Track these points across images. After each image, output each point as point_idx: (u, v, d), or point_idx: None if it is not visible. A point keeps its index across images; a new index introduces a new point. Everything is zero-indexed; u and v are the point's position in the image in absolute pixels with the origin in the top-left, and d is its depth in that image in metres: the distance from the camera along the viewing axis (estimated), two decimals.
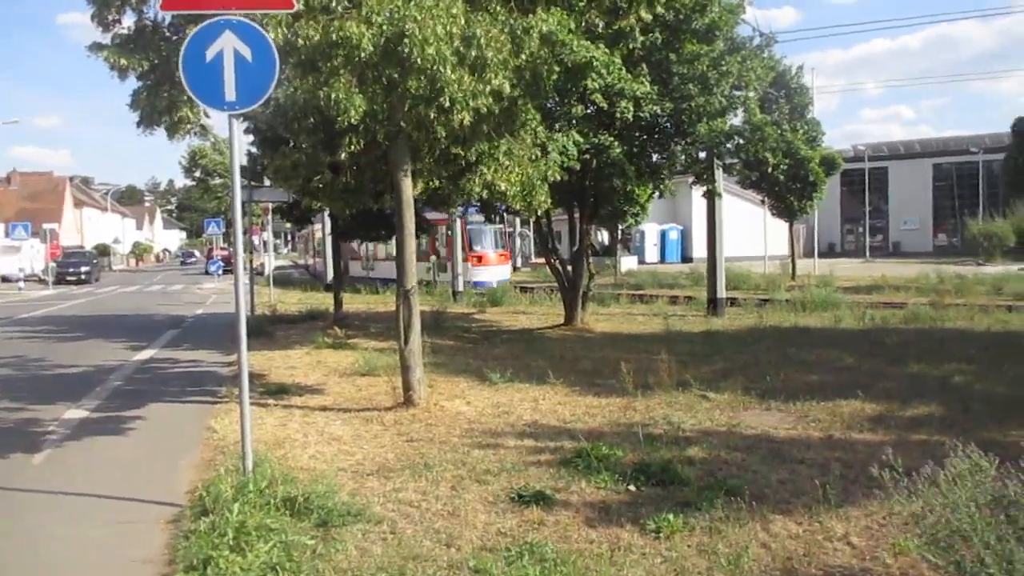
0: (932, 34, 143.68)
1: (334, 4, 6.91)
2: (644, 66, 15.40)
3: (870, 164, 54.82)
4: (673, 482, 6.34)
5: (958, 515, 4.26)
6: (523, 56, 8.00)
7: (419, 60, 6.88)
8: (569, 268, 18.09)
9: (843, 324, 16.98)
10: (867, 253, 51.90)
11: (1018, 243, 39.95)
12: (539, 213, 11.49)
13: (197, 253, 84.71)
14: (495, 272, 31.87)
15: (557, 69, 10.14)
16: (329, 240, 25.62)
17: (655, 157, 17.25)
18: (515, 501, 6.05)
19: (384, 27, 6.92)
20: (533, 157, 10.14)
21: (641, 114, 15.08)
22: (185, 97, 7.06)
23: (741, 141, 17.39)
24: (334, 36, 6.84)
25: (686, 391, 9.91)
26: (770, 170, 22.00)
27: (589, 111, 15.28)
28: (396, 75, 7.26)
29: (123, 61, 7.65)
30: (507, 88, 7.59)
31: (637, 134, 16.09)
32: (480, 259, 31.55)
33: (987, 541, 4.14)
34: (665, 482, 6.35)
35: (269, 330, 18.05)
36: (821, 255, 41.09)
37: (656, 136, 16.71)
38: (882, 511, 5.67)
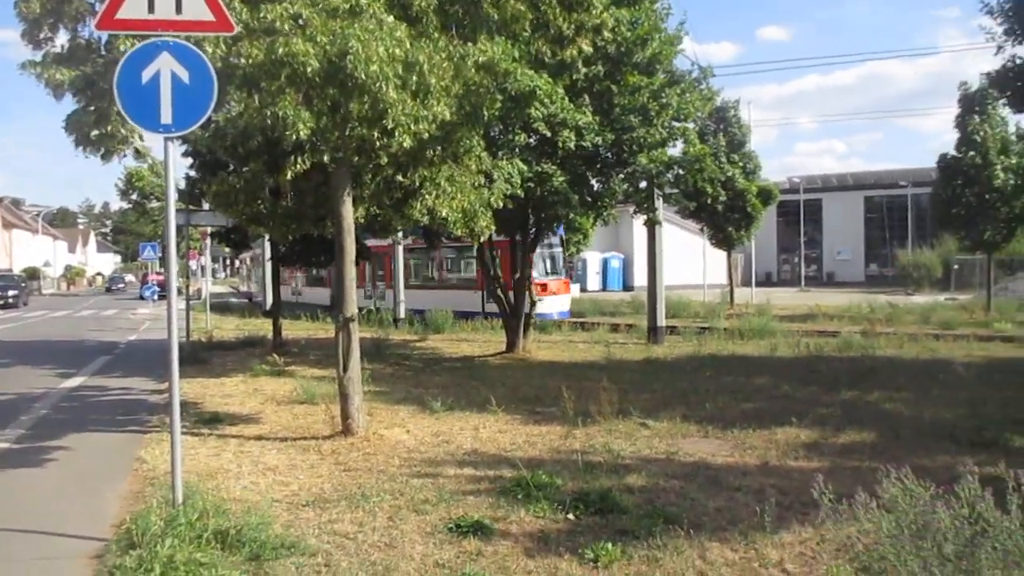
0: (864, 71, 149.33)
1: (278, 24, 6.85)
2: (586, 97, 15.62)
3: (805, 196, 56.34)
4: (612, 510, 6.35)
5: (885, 543, 4.35)
6: (459, 84, 8.05)
7: (362, 77, 6.86)
8: (511, 295, 18.11)
9: (779, 352, 17.31)
10: (802, 282, 53.16)
11: (945, 274, 41.41)
12: (481, 240, 11.50)
13: (131, 277, 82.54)
14: (558, 303, 28.18)
15: (500, 97, 10.22)
16: (269, 266, 25.26)
17: (597, 186, 17.45)
18: (453, 531, 5.98)
19: (327, 48, 6.90)
20: (476, 184, 10.16)
21: (583, 144, 15.27)
22: (119, 117, 6.89)
23: (681, 171, 17.68)
24: (280, 51, 6.77)
25: (626, 419, 9.96)
26: (709, 200, 22.51)
27: (532, 140, 15.42)
28: (339, 95, 7.22)
29: (59, 76, 7.44)
30: (447, 115, 7.61)
31: (579, 163, 16.26)
32: (544, 288, 26.78)
33: (912, 569, 4.22)
34: (604, 510, 6.34)
35: (205, 357, 17.65)
36: (758, 284, 41.97)
37: (598, 166, 16.91)
38: (815, 537, 5.75)
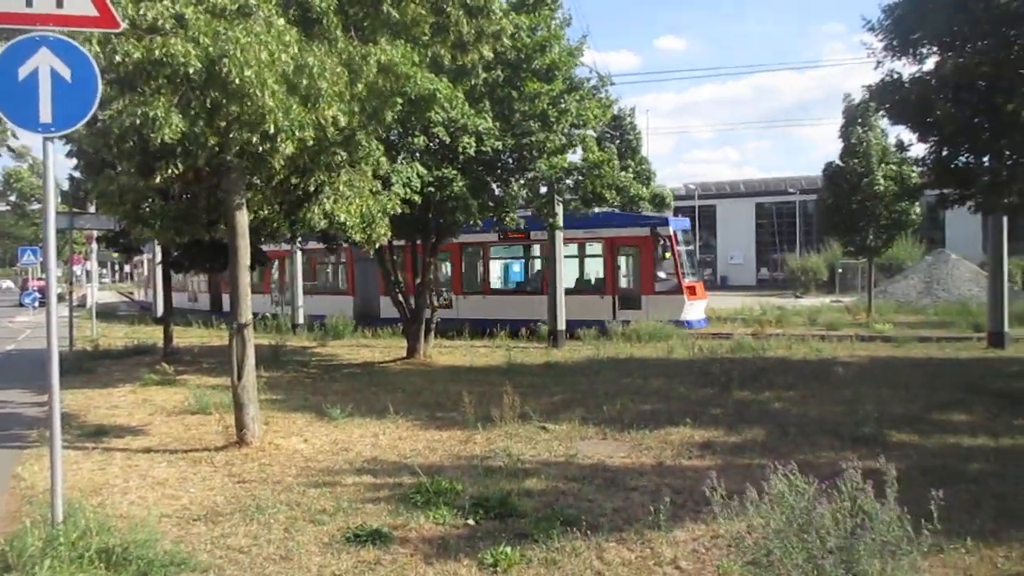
0: (757, 82, 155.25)
1: (161, 23, 6.61)
2: (487, 102, 15.69)
3: (700, 202, 58.11)
4: (511, 514, 6.39)
5: (772, 537, 4.52)
6: (360, 85, 7.95)
7: (238, 81, 6.69)
8: (412, 300, 18.00)
9: (675, 355, 17.75)
10: None
11: (830, 277, 43.45)
12: (377, 245, 11.38)
13: (10, 284, 78.10)
14: (702, 309, 24.98)
15: (400, 101, 10.15)
16: (159, 271, 24.29)
17: (498, 191, 17.55)
18: (351, 541, 5.89)
19: (208, 49, 6.70)
20: (374, 189, 10.06)
21: (483, 149, 15.34)
22: None
23: (580, 177, 17.95)
24: (157, 53, 6.53)
25: (526, 423, 10.03)
26: (607, 206, 22.89)
27: (433, 144, 15.38)
28: (219, 98, 7.02)
29: None
30: (342, 120, 7.50)
31: (480, 168, 16.32)
32: (694, 291, 23.89)
33: (797, 562, 4.40)
34: (504, 515, 6.38)
35: (90, 367, 16.85)
36: None
37: (498, 171, 17.01)
38: (708, 534, 5.93)
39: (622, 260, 24.56)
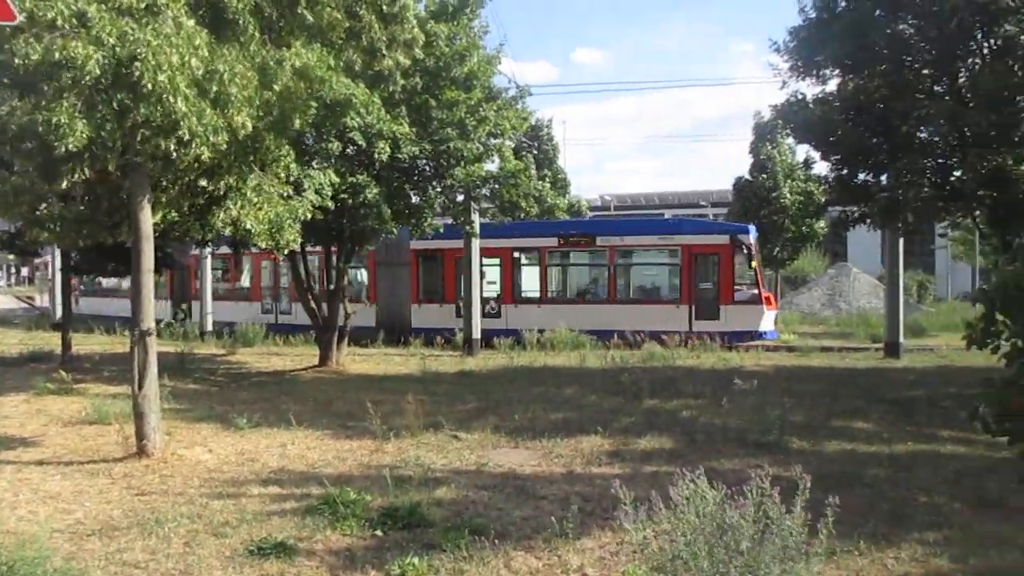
0: (674, 97, 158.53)
1: (60, 22, 6.34)
2: (404, 108, 15.61)
3: (615, 213, 59.00)
4: (420, 524, 6.34)
5: (679, 542, 4.62)
6: (276, 89, 7.82)
7: (151, 86, 6.49)
8: (325, 307, 17.72)
9: (588, 364, 17.96)
10: None
11: None
12: (285, 252, 11.17)
13: None
14: (775, 317, 24.20)
15: (315, 105, 10.01)
16: (59, 275, 23.30)
17: (414, 198, 17.47)
18: (255, 554, 5.75)
19: (116, 49, 6.46)
20: (285, 194, 9.87)
21: (400, 155, 15.25)
22: None
23: (497, 186, 18.03)
24: (57, 56, 6.27)
25: (438, 432, 9.99)
26: (523, 216, 23.08)
27: (351, 150, 15.21)
28: (128, 101, 6.78)
29: None
30: (249, 125, 7.34)
31: (396, 175, 16.22)
32: (770, 301, 23.29)
33: (703, 567, 4.51)
34: (412, 525, 6.33)
35: None
36: None
37: (415, 178, 16.94)
38: (615, 541, 6.01)
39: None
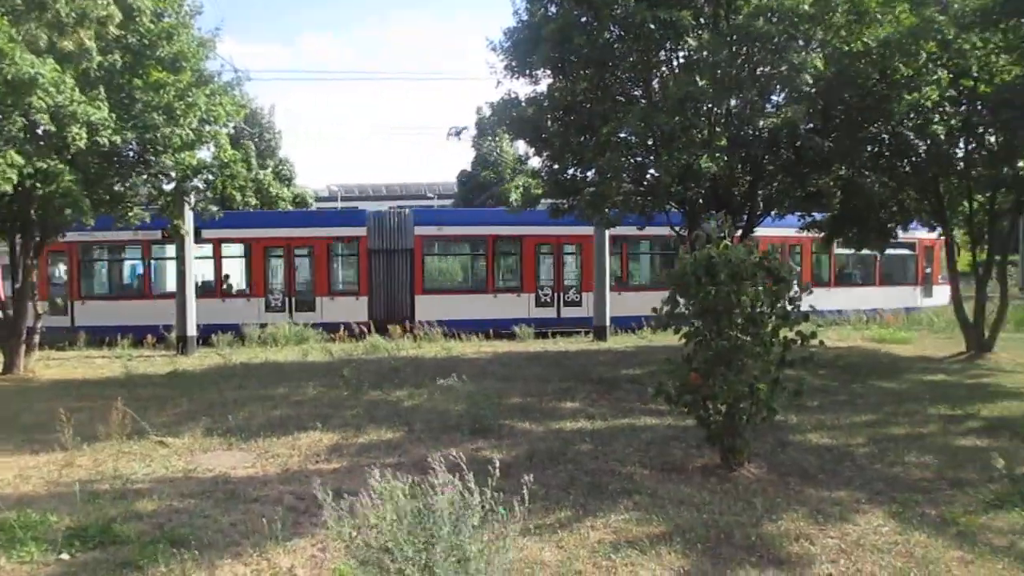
0: (406, 86, 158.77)
1: None
2: (102, 89, 14.26)
3: (342, 204, 58.40)
4: (115, 543, 5.91)
5: (381, 532, 4.71)
6: None
7: None
8: (9, 309, 15.75)
9: (311, 358, 17.66)
10: None
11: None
12: None
13: None
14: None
15: None
16: None
17: (118, 187, 16.08)
18: None
19: None
20: None
21: (99, 140, 13.91)
22: None
23: (211, 176, 17.09)
24: None
25: (142, 439, 9.33)
26: (239, 207, 22.29)
27: (40, 131, 13.61)
28: None
29: None
30: None
31: (96, 161, 14.81)
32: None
33: (407, 554, 4.63)
34: (105, 544, 5.89)
35: None
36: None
37: (117, 165, 15.59)
38: (328, 539, 5.97)
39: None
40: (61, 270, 23.87)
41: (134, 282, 24.74)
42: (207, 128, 16.44)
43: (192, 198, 17.49)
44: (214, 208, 17.79)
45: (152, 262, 24.07)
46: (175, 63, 15.27)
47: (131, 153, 15.55)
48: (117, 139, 14.15)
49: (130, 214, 16.83)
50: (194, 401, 12.25)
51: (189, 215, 18.24)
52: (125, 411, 9.34)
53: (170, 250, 21.40)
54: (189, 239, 19.22)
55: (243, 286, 24.47)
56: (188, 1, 16.04)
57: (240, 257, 24.40)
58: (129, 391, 11.90)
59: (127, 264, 24.94)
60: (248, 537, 6.08)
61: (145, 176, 15.92)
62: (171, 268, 21.86)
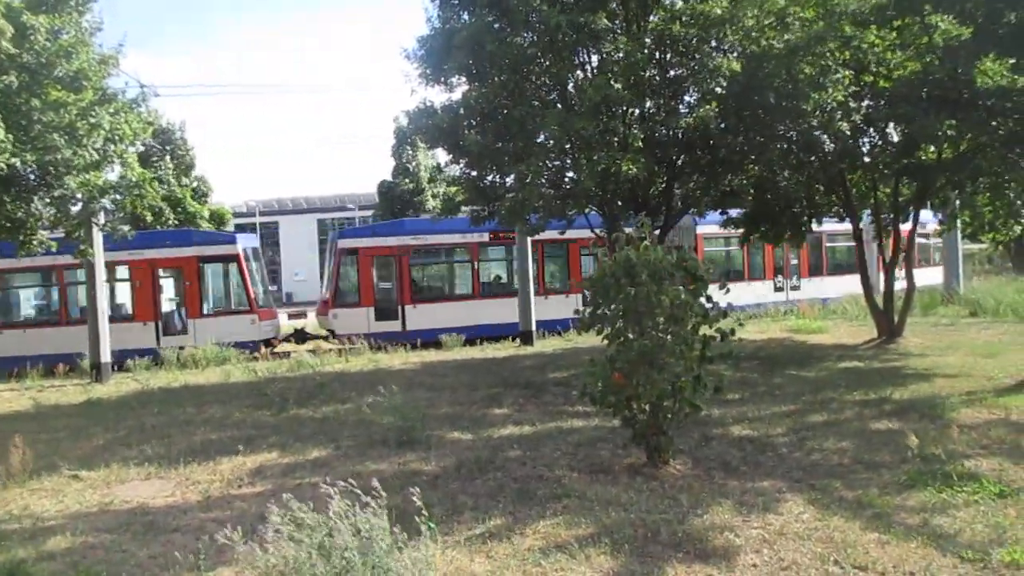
0: (328, 98, 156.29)
1: None
2: None
3: (261, 219, 57.34)
4: None
5: (291, 563, 4.66)
6: None
7: None
8: None
9: (234, 378, 17.22)
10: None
11: None
12: None
13: None
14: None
15: None
16: None
17: (19, 213, 15.41)
18: None
19: None
20: None
21: None
22: None
23: (119, 197, 16.51)
24: None
25: (54, 473, 8.95)
26: (157, 226, 21.62)
27: None
28: None
29: None
30: None
31: None
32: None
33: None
34: None
35: None
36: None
37: (15, 189, 14.94)
38: (248, 568, 5.82)
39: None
40: None
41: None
42: (112, 147, 15.91)
43: (101, 219, 16.87)
44: (125, 228, 17.14)
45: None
46: (75, 82, 14.72)
47: (31, 176, 14.91)
48: (16, 161, 13.58)
49: (34, 240, 16.12)
50: (110, 430, 11.81)
51: (99, 238, 17.61)
52: (35, 446, 8.94)
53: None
54: (100, 263, 18.56)
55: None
56: (87, 17, 15.49)
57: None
58: (39, 424, 11.41)
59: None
60: (168, 570, 5.88)
61: (48, 200, 15.28)
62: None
